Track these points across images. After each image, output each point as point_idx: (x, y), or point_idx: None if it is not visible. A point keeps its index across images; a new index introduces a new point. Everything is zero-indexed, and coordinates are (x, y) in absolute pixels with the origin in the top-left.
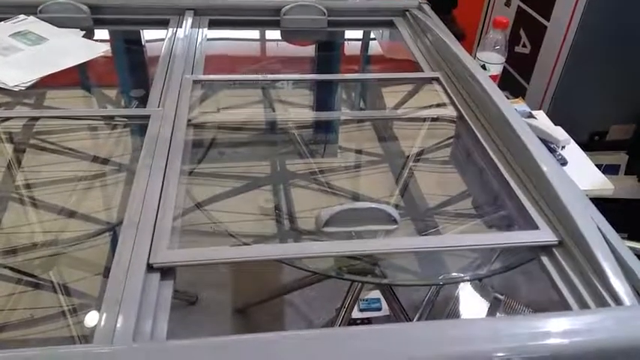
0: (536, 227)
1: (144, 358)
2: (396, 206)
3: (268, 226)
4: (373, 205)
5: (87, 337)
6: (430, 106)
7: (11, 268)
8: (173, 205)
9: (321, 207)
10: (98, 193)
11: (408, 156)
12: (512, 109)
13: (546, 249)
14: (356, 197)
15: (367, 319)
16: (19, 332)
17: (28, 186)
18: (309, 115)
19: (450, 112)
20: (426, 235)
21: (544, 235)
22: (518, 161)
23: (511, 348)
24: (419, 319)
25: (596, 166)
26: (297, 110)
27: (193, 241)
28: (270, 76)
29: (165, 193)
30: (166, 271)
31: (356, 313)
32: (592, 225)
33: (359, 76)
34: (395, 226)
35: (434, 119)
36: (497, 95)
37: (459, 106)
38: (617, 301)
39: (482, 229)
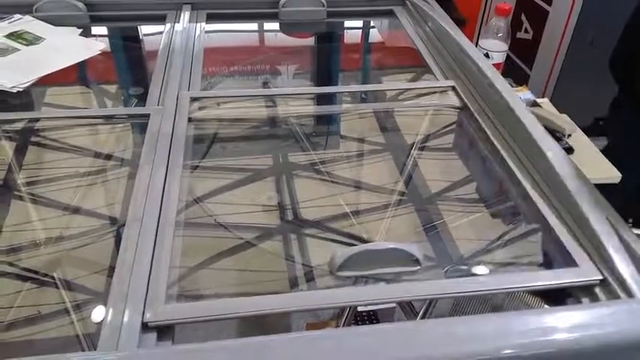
0: (575, 264)
1: None
2: (402, 194)
3: (273, 220)
4: (392, 245)
5: (92, 335)
6: (432, 94)
7: (14, 266)
8: (174, 216)
9: (325, 197)
10: (100, 191)
11: (412, 145)
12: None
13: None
14: (358, 187)
15: (373, 311)
16: (21, 332)
17: (29, 184)
18: (310, 106)
19: (452, 100)
20: (451, 276)
21: (585, 273)
22: (539, 172)
23: (521, 344)
24: (425, 312)
25: (600, 151)
26: (298, 102)
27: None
28: (272, 91)
29: (168, 191)
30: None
31: (361, 306)
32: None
33: (367, 87)
34: (417, 267)
35: (437, 108)
36: (510, 95)
37: (476, 114)
38: None
39: (491, 221)
